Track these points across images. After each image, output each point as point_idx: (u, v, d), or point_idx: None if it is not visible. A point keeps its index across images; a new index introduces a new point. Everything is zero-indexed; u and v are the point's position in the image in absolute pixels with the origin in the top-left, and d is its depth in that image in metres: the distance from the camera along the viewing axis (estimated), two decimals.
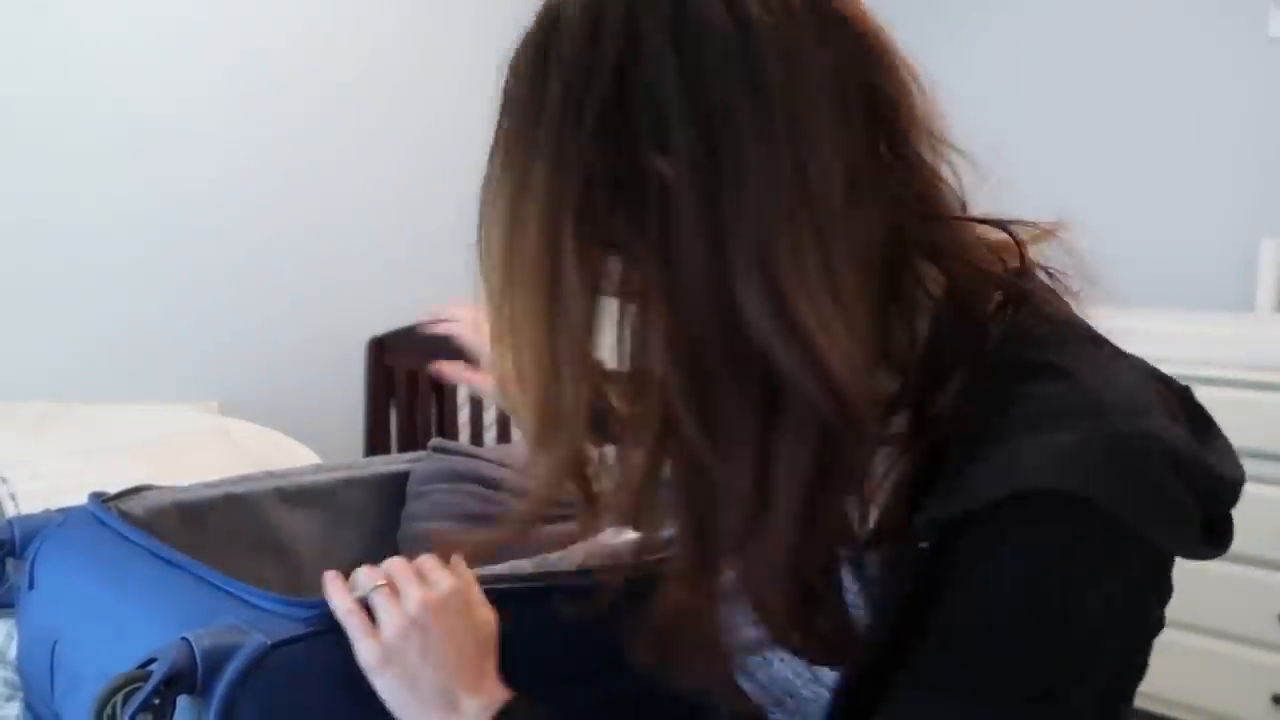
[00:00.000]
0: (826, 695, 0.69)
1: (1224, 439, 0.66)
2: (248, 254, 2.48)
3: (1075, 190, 2.65)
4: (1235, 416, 1.89)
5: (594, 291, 0.58)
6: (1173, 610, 2.27)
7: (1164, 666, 2.09)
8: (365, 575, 0.74)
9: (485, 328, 0.76)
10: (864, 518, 0.64)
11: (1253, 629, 1.88)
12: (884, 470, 0.62)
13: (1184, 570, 2.22)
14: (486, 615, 0.75)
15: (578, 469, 0.62)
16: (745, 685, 0.78)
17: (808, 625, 0.63)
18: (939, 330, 0.60)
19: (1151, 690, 1.99)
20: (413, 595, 0.71)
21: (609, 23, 0.55)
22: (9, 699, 1.15)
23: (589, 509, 0.63)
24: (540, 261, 0.57)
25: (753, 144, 0.54)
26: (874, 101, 0.59)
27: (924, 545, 0.57)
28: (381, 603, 0.71)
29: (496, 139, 0.61)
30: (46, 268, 2.18)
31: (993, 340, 0.59)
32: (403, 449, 2.50)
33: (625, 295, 0.58)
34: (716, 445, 0.57)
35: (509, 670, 0.75)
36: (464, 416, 2.63)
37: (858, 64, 0.58)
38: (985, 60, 2.80)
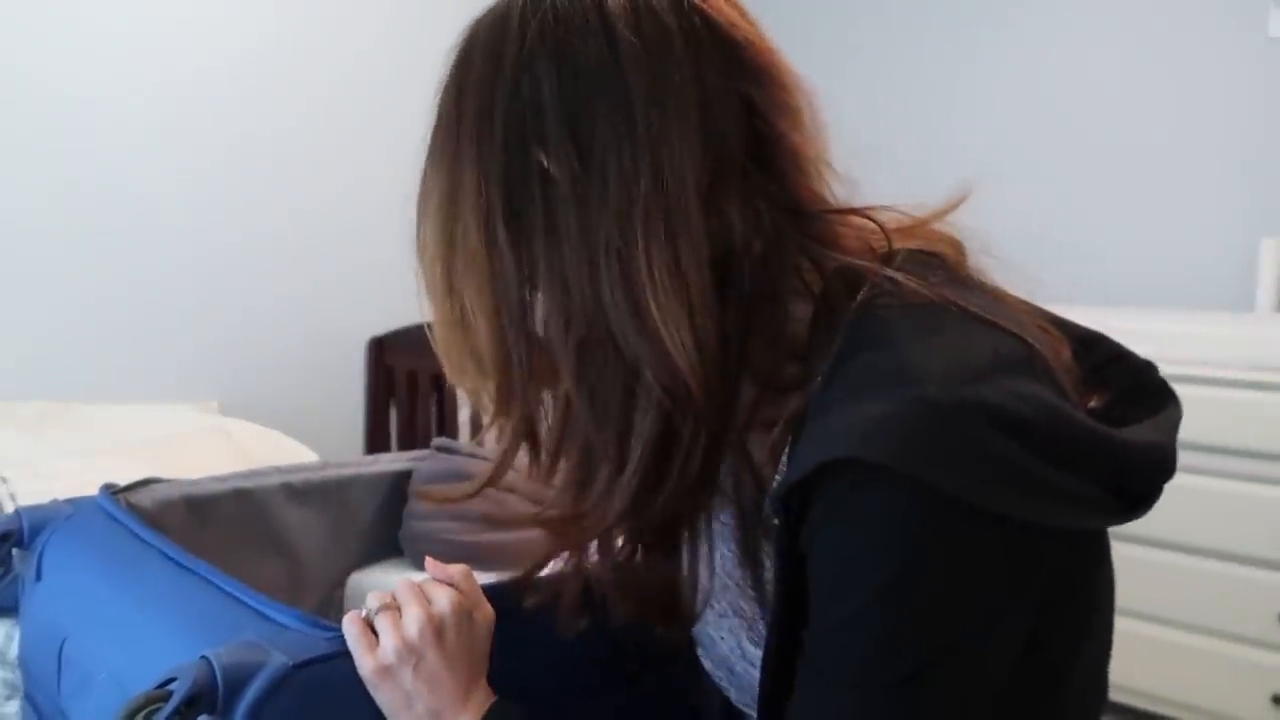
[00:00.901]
0: (752, 673, 0.71)
1: (1166, 411, 0.67)
2: (248, 254, 2.48)
3: (1075, 190, 2.65)
4: (1235, 416, 1.89)
5: (528, 275, 0.65)
6: (1173, 610, 2.28)
7: (1164, 666, 2.10)
8: (374, 598, 0.77)
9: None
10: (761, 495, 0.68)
11: (1253, 629, 1.88)
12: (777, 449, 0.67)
13: (1184, 570, 2.22)
14: (484, 617, 0.78)
15: (532, 431, 0.70)
16: (705, 661, 0.80)
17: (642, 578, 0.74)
18: (817, 317, 0.65)
19: (1152, 690, 1.99)
20: (414, 617, 0.74)
21: (510, 45, 0.64)
22: (8, 698, 1.16)
23: (538, 461, 0.72)
24: (479, 255, 0.65)
25: (615, 149, 0.61)
26: (750, 110, 0.65)
27: (775, 523, 0.59)
28: (384, 625, 0.74)
29: (431, 147, 0.70)
30: (48, 268, 2.18)
31: (847, 322, 0.61)
32: (403, 449, 2.49)
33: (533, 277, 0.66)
34: (591, 409, 0.65)
35: (519, 683, 0.76)
36: (464, 416, 2.64)
37: (732, 77, 0.64)
38: (987, 62, 2.80)
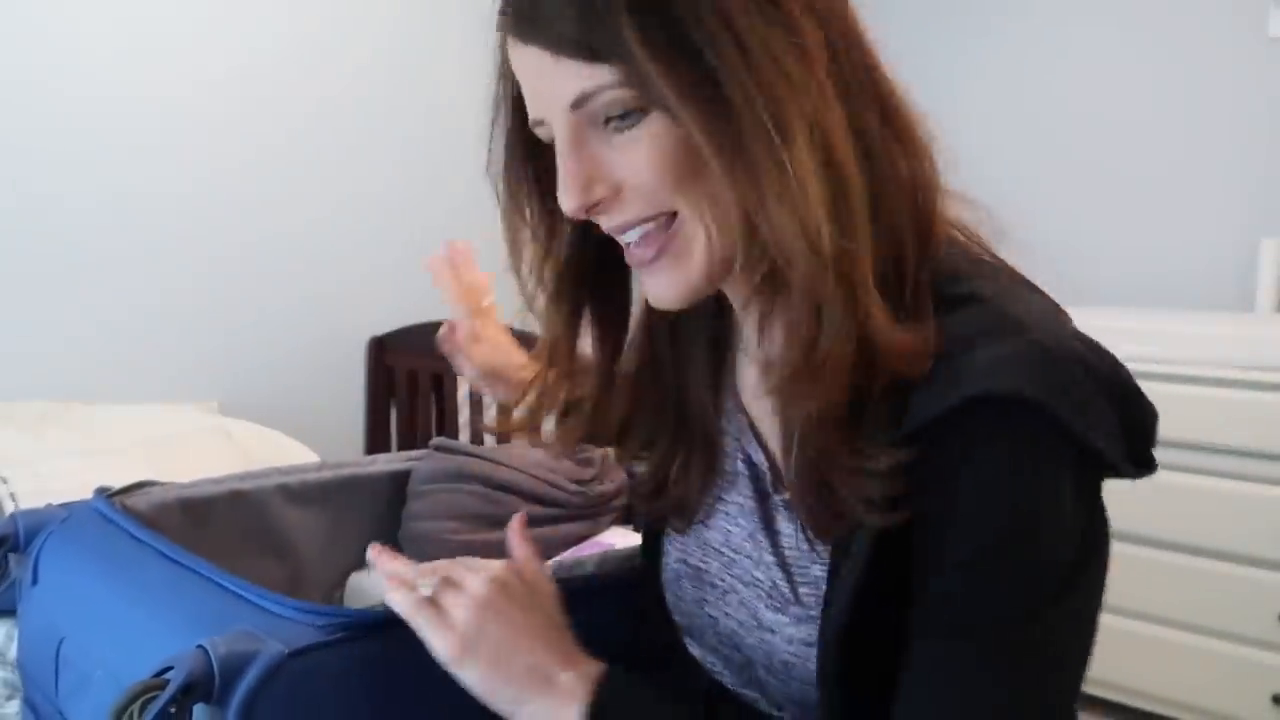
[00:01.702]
0: (771, 639, 0.72)
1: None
2: (248, 254, 2.48)
3: (1075, 189, 2.65)
4: (1235, 416, 1.90)
5: None
6: (1173, 610, 2.28)
7: (1164, 666, 2.10)
8: (420, 575, 0.73)
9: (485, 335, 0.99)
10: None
11: (1253, 629, 1.89)
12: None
13: (1184, 570, 2.23)
14: (549, 589, 0.77)
15: None
16: (695, 651, 0.81)
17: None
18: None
19: (1151, 690, 1.99)
20: (474, 579, 0.71)
21: None
22: (9, 699, 1.16)
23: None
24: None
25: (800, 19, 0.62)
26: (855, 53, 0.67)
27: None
28: (447, 595, 0.70)
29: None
30: (47, 268, 2.18)
31: (926, 276, 0.65)
32: (402, 449, 2.49)
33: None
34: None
35: None
36: (464, 416, 2.63)
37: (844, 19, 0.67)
38: (988, 61, 2.80)
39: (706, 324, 0.80)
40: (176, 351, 2.39)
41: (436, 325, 2.91)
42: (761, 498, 0.76)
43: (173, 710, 0.65)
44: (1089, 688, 1.09)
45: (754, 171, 0.61)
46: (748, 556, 0.76)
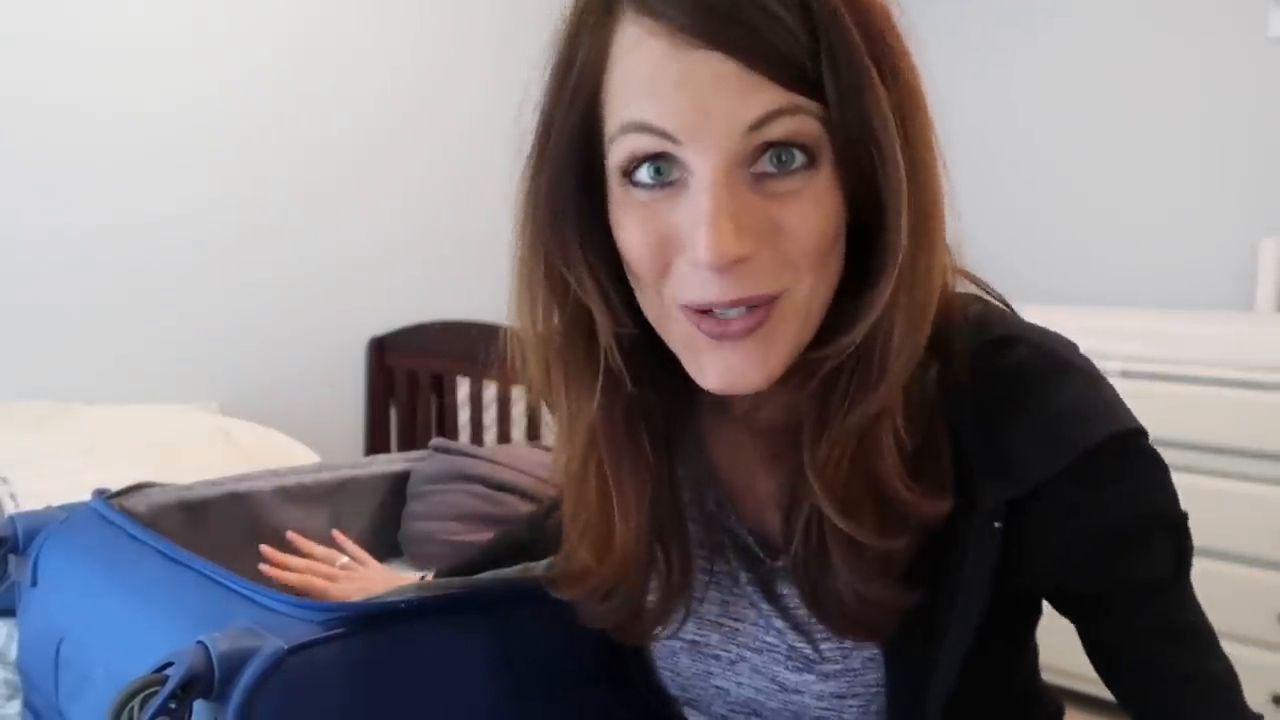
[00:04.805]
0: (799, 699, 0.70)
1: None
2: (248, 255, 2.48)
3: (1075, 190, 2.65)
4: (1235, 416, 1.89)
5: None
6: None
7: None
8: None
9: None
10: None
11: (1253, 629, 1.88)
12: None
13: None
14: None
15: None
16: (700, 718, 0.78)
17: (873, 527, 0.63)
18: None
19: None
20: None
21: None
22: (9, 699, 1.15)
23: None
24: None
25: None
26: None
27: (997, 525, 0.62)
28: None
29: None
30: (47, 268, 2.18)
31: (955, 321, 0.64)
32: (402, 449, 2.49)
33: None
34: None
35: (484, 678, 0.77)
36: (464, 416, 2.63)
37: None
38: (985, 59, 2.80)
39: (652, 406, 0.68)
40: (177, 352, 2.39)
41: (437, 325, 2.90)
42: (752, 564, 0.72)
43: (172, 706, 0.65)
44: (1087, 686, 1.09)
45: (925, 247, 0.59)
46: (753, 624, 0.72)
